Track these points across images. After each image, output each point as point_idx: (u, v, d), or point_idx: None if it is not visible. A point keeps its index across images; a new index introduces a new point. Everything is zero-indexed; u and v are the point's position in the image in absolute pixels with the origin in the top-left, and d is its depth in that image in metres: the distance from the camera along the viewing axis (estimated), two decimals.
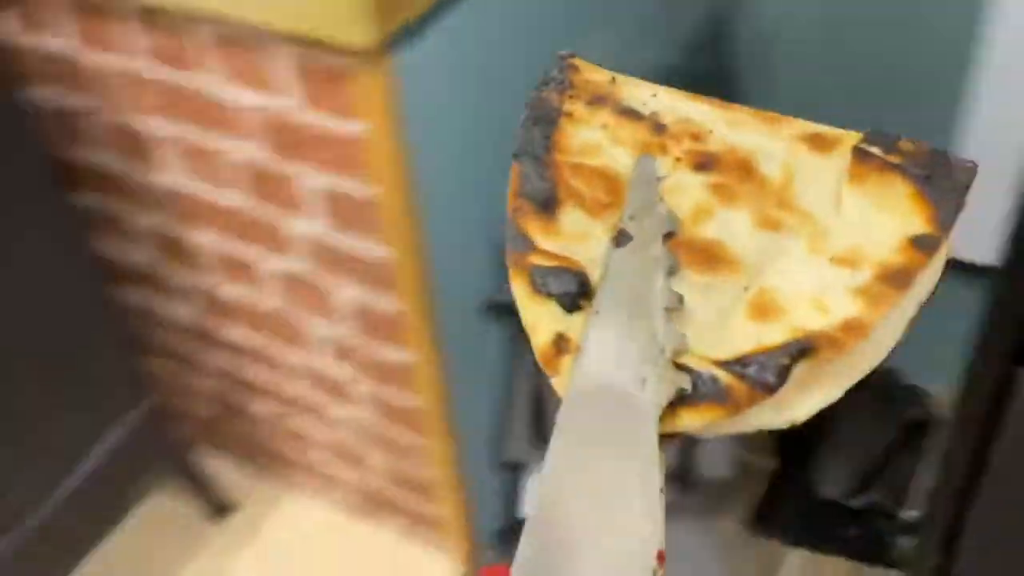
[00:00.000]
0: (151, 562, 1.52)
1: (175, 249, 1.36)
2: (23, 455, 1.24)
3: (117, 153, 1.29)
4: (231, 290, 1.36)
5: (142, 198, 1.32)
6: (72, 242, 1.27)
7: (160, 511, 1.56)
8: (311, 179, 1.14)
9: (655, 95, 0.47)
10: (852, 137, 0.44)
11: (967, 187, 0.42)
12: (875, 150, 0.43)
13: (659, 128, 0.45)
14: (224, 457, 1.63)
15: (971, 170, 0.42)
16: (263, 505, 1.58)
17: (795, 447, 1.53)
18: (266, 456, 1.59)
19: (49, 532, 1.28)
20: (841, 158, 0.44)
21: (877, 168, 0.42)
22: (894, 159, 0.43)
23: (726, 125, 0.45)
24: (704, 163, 0.44)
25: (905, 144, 0.43)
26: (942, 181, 0.42)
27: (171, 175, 1.26)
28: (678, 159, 0.44)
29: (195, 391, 1.57)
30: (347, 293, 1.23)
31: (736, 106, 0.46)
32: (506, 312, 1.33)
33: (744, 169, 0.43)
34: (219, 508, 1.55)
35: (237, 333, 1.41)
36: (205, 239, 1.31)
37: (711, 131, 0.45)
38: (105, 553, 1.46)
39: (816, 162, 0.44)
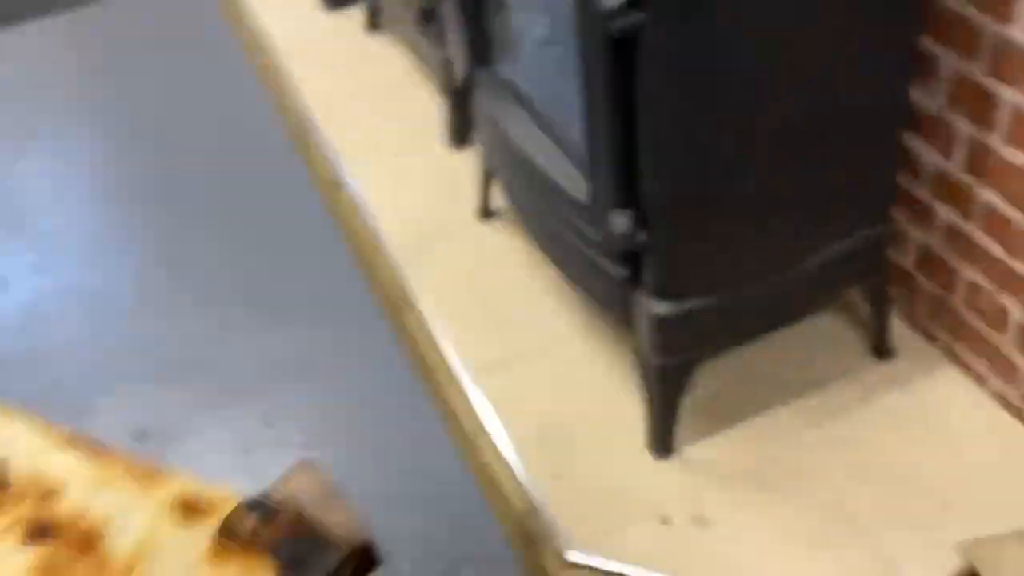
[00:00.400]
0: (805, 366, 1.67)
1: (971, 98, 1.43)
2: (786, 225, 1.43)
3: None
4: (1009, 154, 1.40)
5: (969, 46, 1.40)
6: (895, 78, 1.40)
7: (832, 329, 1.72)
8: None
9: (14, 438, 0.35)
10: (229, 504, 0.33)
11: (335, 570, 0.34)
12: (245, 525, 0.33)
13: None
14: (902, 310, 1.73)
15: (339, 552, 0.32)
16: (921, 367, 1.67)
17: None
18: (945, 323, 1.65)
19: (770, 295, 1.48)
20: (209, 531, 0.33)
21: (241, 548, 0.32)
22: (263, 536, 0.32)
23: (90, 482, 0.34)
24: (42, 532, 0.33)
25: (284, 517, 0.33)
26: (311, 564, 0.31)
27: (1015, 28, 1.32)
28: (12, 525, 0.34)
29: (912, 238, 1.66)
30: None
31: (116, 457, 0.34)
32: None
33: (88, 542, 0.34)
34: (879, 350, 1.67)
35: (989, 197, 1.47)
36: (1012, 97, 1.36)
37: (66, 489, 0.34)
38: (774, 340, 1.66)
39: (179, 536, 0.34)
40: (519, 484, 1.57)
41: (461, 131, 2.16)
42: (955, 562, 1.39)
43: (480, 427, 1.67)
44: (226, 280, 2.17)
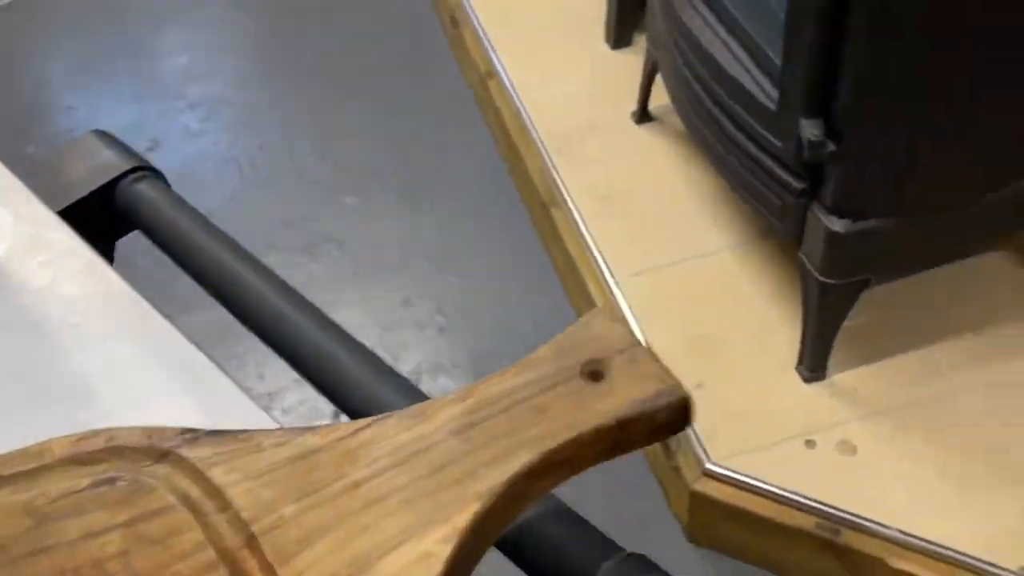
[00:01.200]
0: (979, 302, 1.60)
1: None
2: (990, 149, 1.35)
3: None
4: None
5: None
6: None
7: (1007, 263, 1.64)
8: None
9: None
10: None
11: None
12: None
13: None
14: None
15: None
16: None
17: None
18: None
19: (956, 223, 1.41)
20: None
21: None
22: None
23: None
24: None
25: None
26: None
27: None
28: None
29: None
30: None
31: None
32: None
33: None
34: None
35: None
36: None
37: None
38: (949, 268, 1.58)
39: None
40: None
41: (623, 29, 2.10)
42: None
43: None
44: (372, 160, 2.17)
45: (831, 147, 1.31)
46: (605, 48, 2.14)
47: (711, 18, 1.58)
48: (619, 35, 2.10)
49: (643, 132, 1.95)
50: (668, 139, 1.93)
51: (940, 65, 1.26)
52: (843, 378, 1.54)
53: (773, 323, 1.60)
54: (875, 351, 1.56)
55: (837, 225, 1.36)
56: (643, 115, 1.95)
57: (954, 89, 1.28)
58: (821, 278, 1.43)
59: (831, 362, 1.54)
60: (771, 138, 1.41)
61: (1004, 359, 1.53)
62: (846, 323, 1.51)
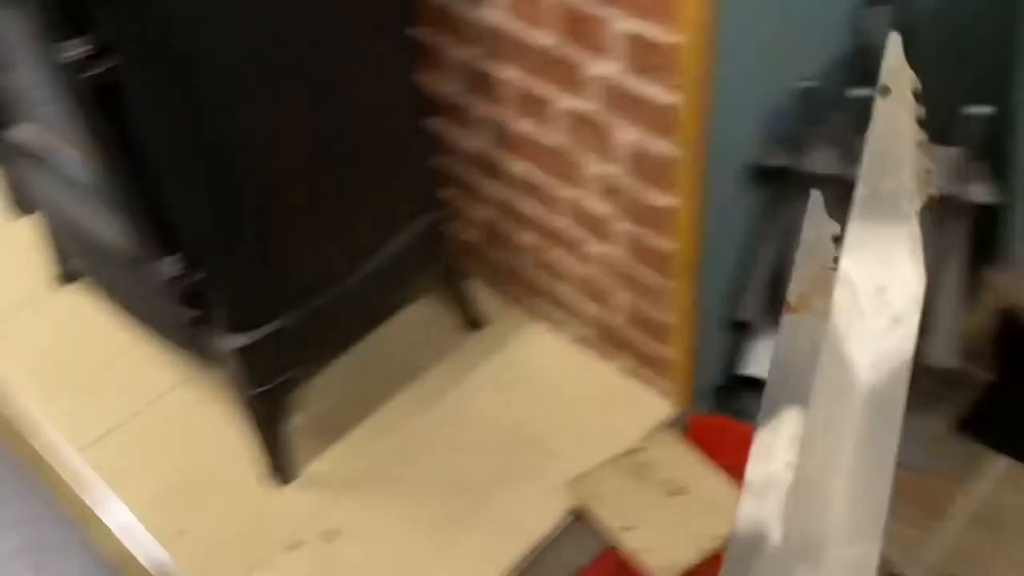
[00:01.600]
0: (406, 356, 1.75)
1: (481, 83, 1.54)
2: (337, 234, 1.47)
3: None
4: (521, 125, 1.53)
5: (464, 33, 1.50)
6: (402, 69, 1.46)
7: (422, 315, 1.80)
8: (619, 23, 1.28)
9: None
10: None
11: None
12: None
13: None
14: (482, 280, 1.84)
15: None
16: (509, 327, 1.79)
17: (1017, 359, 1.60)
18: (520, 284, 1.78)
19: (343, 303, 1.51)
20: None
21: None
22: None
23: None
24: None
25: None
26: None
27: (494, 13, 1.43)
28: None
29: (470, 218, 1.77)
30: (627, 136, 1.38)
31: None
32: (766, 178, 1.45)
33: None
34: (472, 323, 1.77)
35: (518, 166, 1.59)
36: (510, 75, 1.48)
37: None
38: (371, 340, 1.70)
39: None
40: (144, 553, 1.52)
41: (22, 200, 2.02)
42: (566, 501, 1.51)
43: (96, 506, 1.59)
44: None
45: (198, 276, 1.36)
46: (10, 221, 2.04)
47: (60, 180, 1.56)
48: (20, 206, 2.02)
49: (70, 294, 1.90)
50: (94, 295, 1.89)
51: (258, 185, 1.33)
52: (316, 468, 1.59)
53: (236, 445, 1.62)
54: (335, 431, 1.64)
55: (237, 341, 1.42)
56: (64, 277, 1.90)
57: (282, 199, 1.36)
58: (245, 392, 1.48)
59: (302, 457, 1.59)
60: (149, 281, 1.43)
61: (449, 391, 1.68)
62: (302, 416, 1.59)
